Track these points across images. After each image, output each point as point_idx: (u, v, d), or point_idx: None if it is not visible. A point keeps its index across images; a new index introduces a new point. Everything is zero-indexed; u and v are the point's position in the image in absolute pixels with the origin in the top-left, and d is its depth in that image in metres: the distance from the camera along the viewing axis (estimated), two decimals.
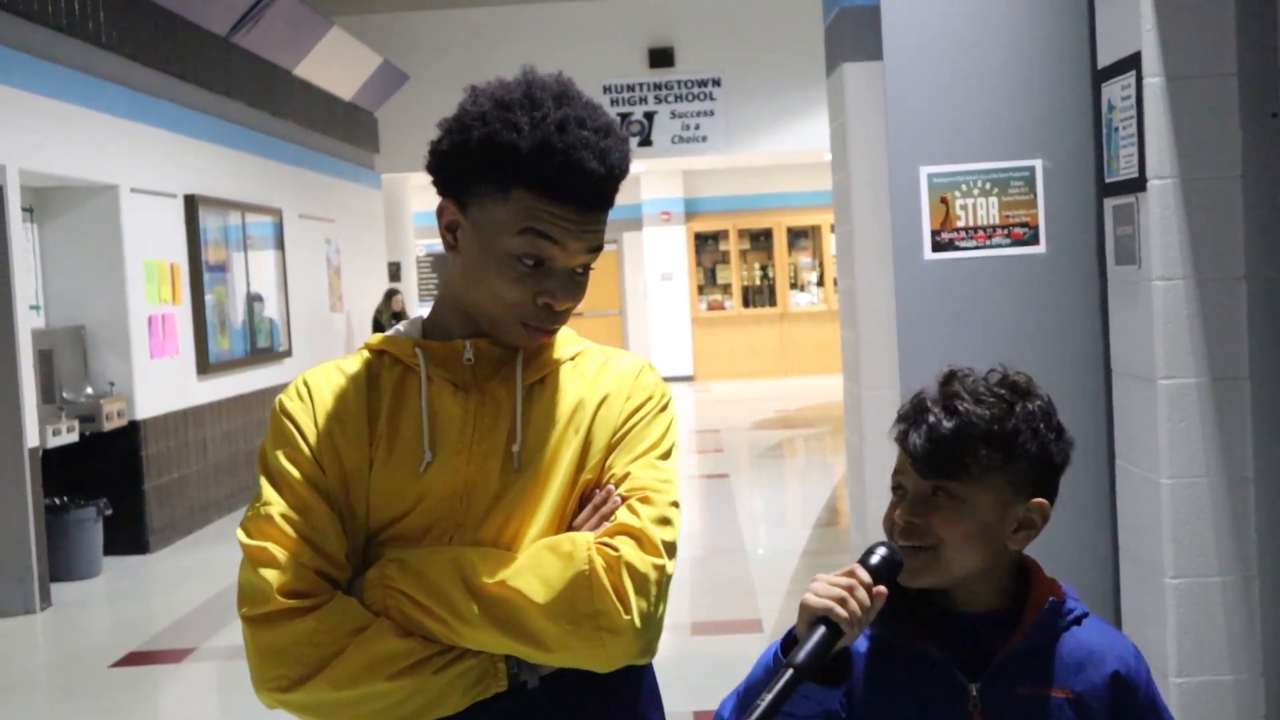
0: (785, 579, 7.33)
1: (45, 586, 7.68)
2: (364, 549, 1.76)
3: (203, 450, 10.11)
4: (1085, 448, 2.88)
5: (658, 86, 16.08)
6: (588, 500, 1.77)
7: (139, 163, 9.22)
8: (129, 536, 8.92)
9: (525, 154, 1.68)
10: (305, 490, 1.73)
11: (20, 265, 7.68)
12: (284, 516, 1.72)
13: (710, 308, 20.77)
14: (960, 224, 3.73)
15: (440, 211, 1.78)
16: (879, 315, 4.91)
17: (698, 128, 16.11)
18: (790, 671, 1.59)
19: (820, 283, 20.65)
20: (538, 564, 1.69)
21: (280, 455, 1.76)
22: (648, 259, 20.41)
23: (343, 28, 13.41)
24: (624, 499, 1.74)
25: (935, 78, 3.74)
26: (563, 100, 1.72)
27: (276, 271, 11.90)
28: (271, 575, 1.69)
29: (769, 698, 1.57)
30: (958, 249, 3.73)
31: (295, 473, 1.74)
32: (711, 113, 16.09)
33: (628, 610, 1.66)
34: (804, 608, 1.63)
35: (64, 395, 8.48)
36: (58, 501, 8.23)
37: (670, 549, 1.73)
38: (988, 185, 3.72)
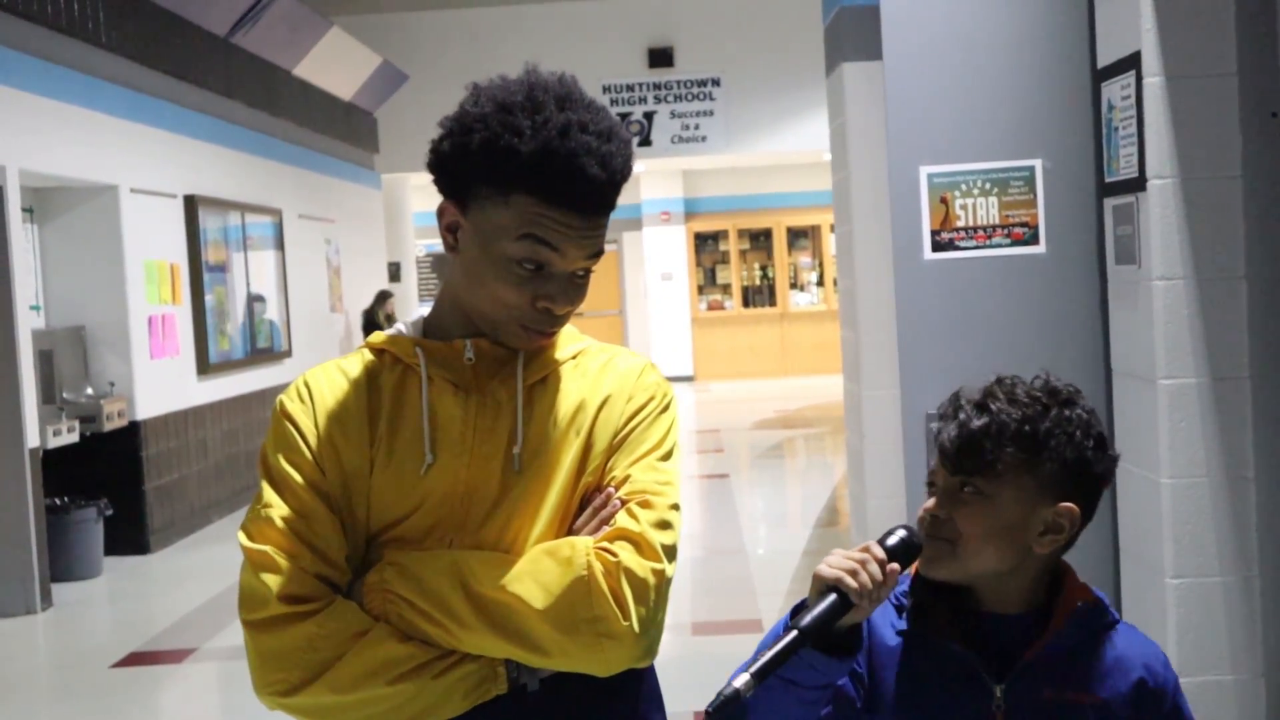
0: (785, 579, 7.33)
1: (46, 587, 7.68)
2: (364, 550, 1.76)
3: (203, 450, 10.11)
4: None
5: (657, 86, 16.08)
6: (588, 503, 1.77)
7: (139, 163, 9.22)
8: (129, 537, 8.92)
9: (526, 159, 1.67)
10: (306, 494, 1.73)
11: (20, 265, 7.68)
12: (284, 520, 1.72)
13: (710, 308, 20.77)
14: (960, 224, 3.73)
15: (441, 212, 1.78)
16: (879, 315, 4.91)
17: (697, 128, 16.10)
18: (795, 633, 1.60)
19: (820, 283, 20.65)
20: (537, 569, 1.69)
21: (281, 458, 1.76)
22: (648, 259, 20.41)
23: (342, 28, 13.40)
24: (624, 502, 1.74)
25: (935, 77, 3.74)
26: (565, 103, 1.71)
27: (276, 272, 11.90)
28: (271, 579, 1.69)
29: (770, 654, 1.59)
30: (958, 249, 3.73)
31: (296, 476, 1.74)
32: (711, 113, 16.09)
33: (626, 616, 1.66)
34: (816, 577, 1.65)
35: (64, 396, 8.47)
36: (58, 502, 8.23)
37: (670, 552, 1.72)
38: (988, 185, 3.72)
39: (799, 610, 1.65)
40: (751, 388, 18.89)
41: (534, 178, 1.68)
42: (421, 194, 18.34)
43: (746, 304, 20.79)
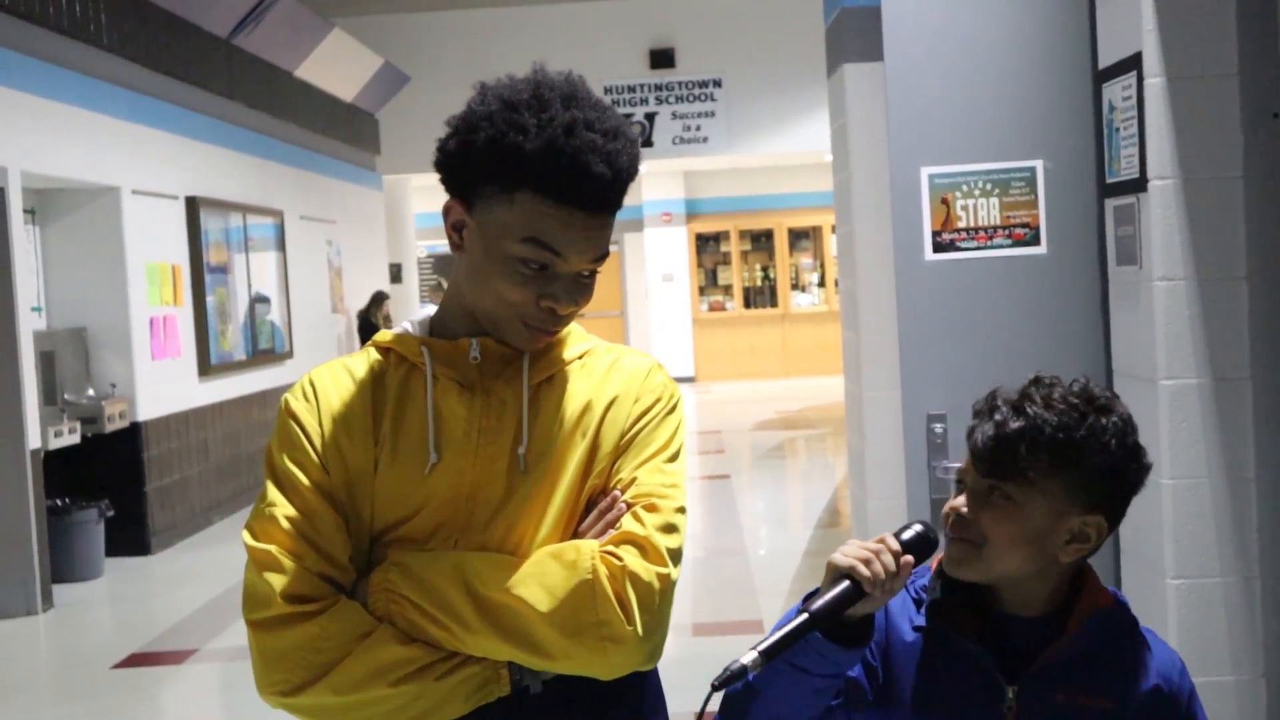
0: (787, 580, 7.33)
1: (47, 588, 7.68)
2: (368, 549, 1.76)
3: (204, 452, 10.11)
4: None
5: (659, 87, 16.09)
6: (594, 505, 1.76)
7: (140, 164, 9.23)
8: (131, 538, 8.93)
9: (531, 157, 1.66)
10: (310, 494, 1.73)
11: (22, 267, 7.68)
12: (289, 520, 1.71)
13: (711, 309, 20.77)
14: (961, 225, 3.72)
15: (447, 210, 1.77)
16: (880, 316, 4.90)
17: (699, 129, 16.11)
18: (805, 616, 1.61)
19: (821, 283, 20.66)
20: (541, 572, 1.68)
21: (286, 457, 1.75)
22: (649, 260, 20.42)
23: (343, 29, 13.41)
24: (629, 505, 1.73)
25: (936, 78, 3.74)
26: (571, 102, 1.70)
27: (278, 273, 11.91)
28: (275, 579, 1.69)
29: (779, 634, 1.60)
30: (959, 250, 3.72)
31: (301, 476, 1.74)
32: (712, 114, 16.09)
33: (631, 620, 1.66)
34: (830, 565, 1.66)
35: (65, 397, 8.48)
36: (59, 503, 8.24)
37: (675, 556, 1.72)
38: (989, 186, 3.72)
39: (812, 597, 1.66)
40: (753, 389, 18.89)
41: (539, 175, 1.67)
42: (423, 195, 18.35)
43: (748, 305, 20.80)
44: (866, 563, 1.63)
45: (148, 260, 9.27)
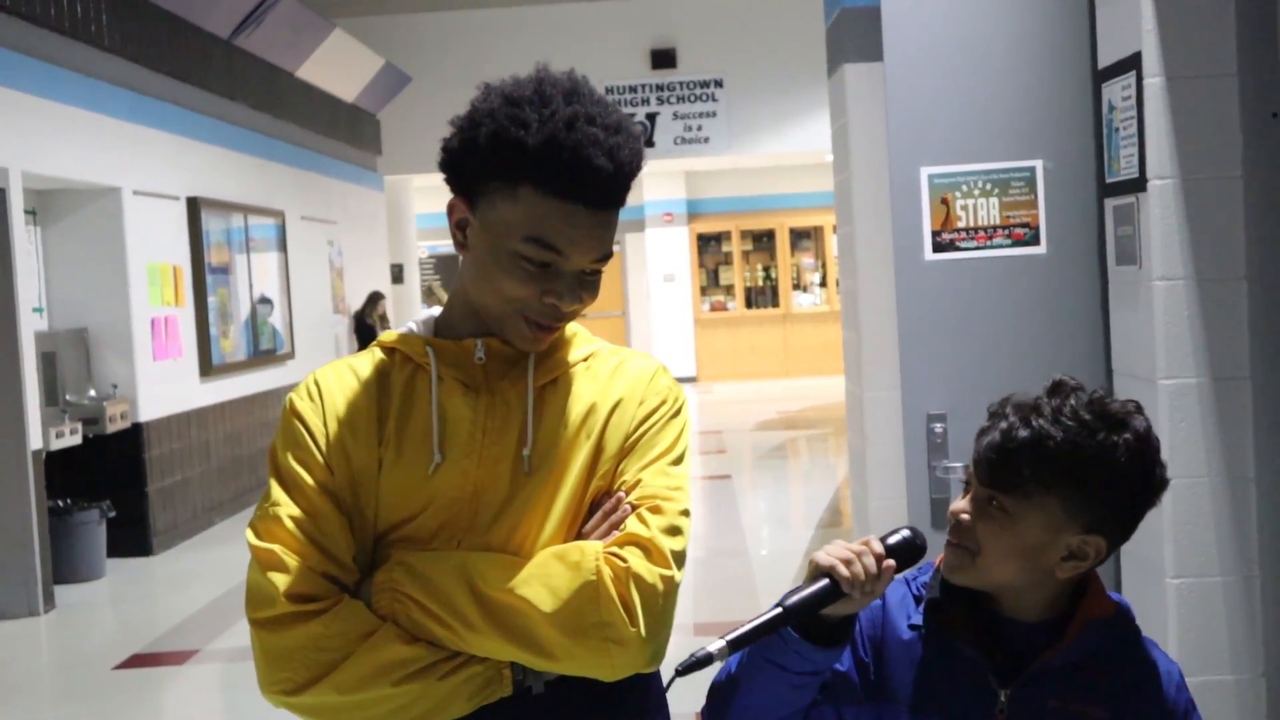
0: (788, 580, 7.33)
1: (49, 589, 7.69)
2: (372, 549, 1.76)
3: (206, 452, 10.12)
4: None
5: (660, 88, 16.09)
6: (598, 507, 1.76)
7: (141, 165, 9.24)
8: (132, 539, 8.93)
9: (532, 151, 1.66)
10: (315, 493, 1.73)
11: (23, 268, 7.69)
12: (293, 519, 1.71)
13: (713, 309, 20.77)
14: (961, 225, 3.72)
15: (450, 209, 1.77)
16: (880, 316, 4.91)
17: (700, 129, 16.12)
18: (779, 610, 1.61)
19: (823, 283, 20.65)
20: (546, 573, 1.68)
21: (290, 457, 1.75)
22: (650, 260, 20.43)
23: (345, 30, 13.42)
24: (634, 507, 1.73)
25: (935, 78, 3.74)
26: (573, 97, 1.70)
27: (279, 274, 11.91)
28: (279, 579, 1.69)
29: (750, 625, 1.60)
30: (958, 250, 3.72)
31: (305, 475, 1.74)
32: (714, 114, 16.10)
33: (634, 622, 1.66)
34: (811, 562, 1.66)
35: (67, 398, 8.49)
36: (61, 504, 8.24)
37: (679, 558, 1.72)
38: (988, 186, 3.72)
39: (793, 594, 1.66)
40: (754, 389, 18.89)
41: (540, 169, 1.67)
42: (424, 195, 18.35)
43: (749, 305, 20.80)
44: (847, 563, 1.62)
45: (149, 261, 9.28)
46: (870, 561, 1.63)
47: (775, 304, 20.73)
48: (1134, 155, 3.38)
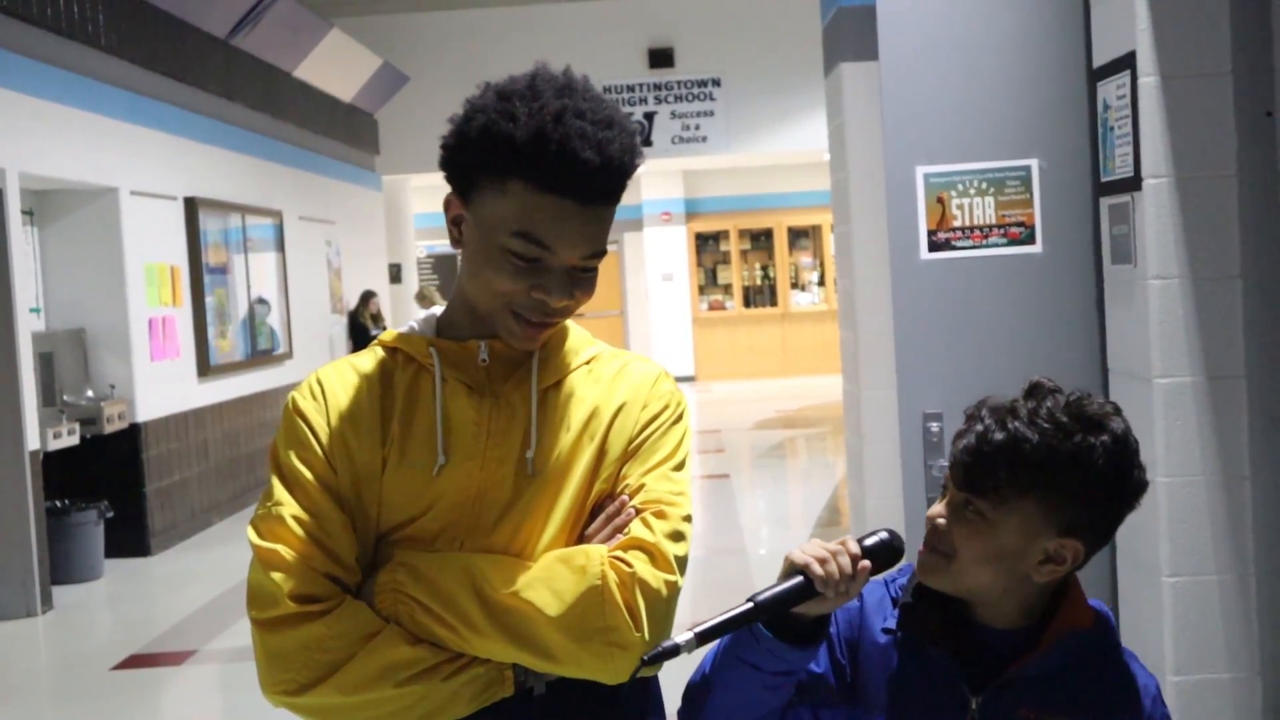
0: None
1: (46, 589, 7.69)
2: (374, 549, 1.76)
3: (204, 452, 10.12)
4: None
5: (658, 87, 16.09)
6: (600, 510, 1.76)
7: (139, 165, 9.23)
8: (130, 539, 8.93)
9: (521, 144, 1.66)
10: (317, 492, 1.72)
11: (20, 268, 7.69)
12: (295, 518, 1.71)
13: (711, 308, 20.77)
14: (957, 224, 3.73)
15: (447, 205, 1.77)
16: (877, 315, 4.91)
17: (698, 128, 16.12)
18: (749, 605, 1.59)
19: (821, 282, 20.66)
20: (550, 576, 1.68)
21: (292, 455, 1.74)
22: (648, 259, 20.43)
23: (342, 29, 13.41)
24: (638, 511, 1.73)
25: (931, 78, 3.74)
26: (564, 92, 1.69)
27: (277, 274, 11.91)
28: (281, 579, 1.68)
29: (719, 619, 1.58)
30: (954, 249, 3.73)
31: (307, 474, 1.73)
32: (711, 113, 16.10)
33: (638, 627, 1.66)
34: (786, 560, 1.64)
35: (65, 398, 8.48)
36: (59, 504, 8.24)
37: (682, 564, 1.73)
38: (984, 185, 3.72)
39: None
40: (753, 388, 18.90)
41: (529, 163, 1.66)
42: (422, 195, 18.35)
43: (747, 304, 20.80)
44: (822, 562, 1.60)
45: (146, 261, 9.28)
46: (845, 561, 1.61)
47: (773, 303, 20.73)
48: (1129, 154, 3.38)
